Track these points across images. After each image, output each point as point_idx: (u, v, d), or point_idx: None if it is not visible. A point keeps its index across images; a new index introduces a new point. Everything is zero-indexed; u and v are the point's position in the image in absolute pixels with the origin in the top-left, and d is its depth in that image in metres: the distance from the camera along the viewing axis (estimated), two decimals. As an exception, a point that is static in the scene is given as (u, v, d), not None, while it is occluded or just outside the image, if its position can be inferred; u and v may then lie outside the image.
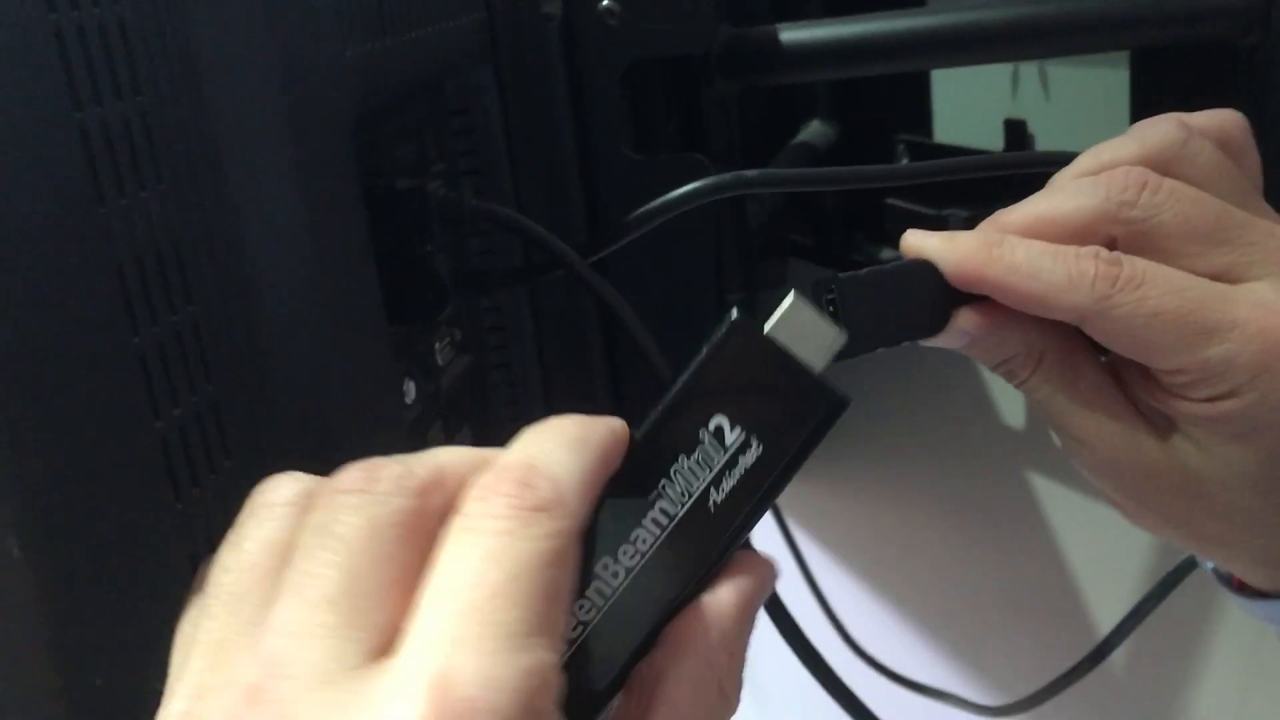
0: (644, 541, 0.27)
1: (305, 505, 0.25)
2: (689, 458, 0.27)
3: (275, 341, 0.31)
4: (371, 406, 0.34)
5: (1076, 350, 0.35)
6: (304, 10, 0.31)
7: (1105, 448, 0.35)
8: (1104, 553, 0.76)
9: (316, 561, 0.23)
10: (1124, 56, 0.63)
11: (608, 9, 0.50)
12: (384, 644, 0.22)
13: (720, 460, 0.27)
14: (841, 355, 0.34)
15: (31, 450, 0.23)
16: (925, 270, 0.34)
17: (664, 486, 0.27)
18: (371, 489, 0.24)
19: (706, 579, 0.27)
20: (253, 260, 0.30)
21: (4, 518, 0.22)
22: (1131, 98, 0.64)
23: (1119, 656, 0.69)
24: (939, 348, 0.36)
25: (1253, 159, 0.36)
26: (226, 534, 0.25)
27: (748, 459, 0.27)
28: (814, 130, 0.83)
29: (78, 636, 0.24)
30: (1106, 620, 0.71)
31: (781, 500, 0.90)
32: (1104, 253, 0.33)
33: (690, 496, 0.27)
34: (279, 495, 0.25)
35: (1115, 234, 0.34)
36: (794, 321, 0.29)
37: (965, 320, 0.34)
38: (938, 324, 0.35)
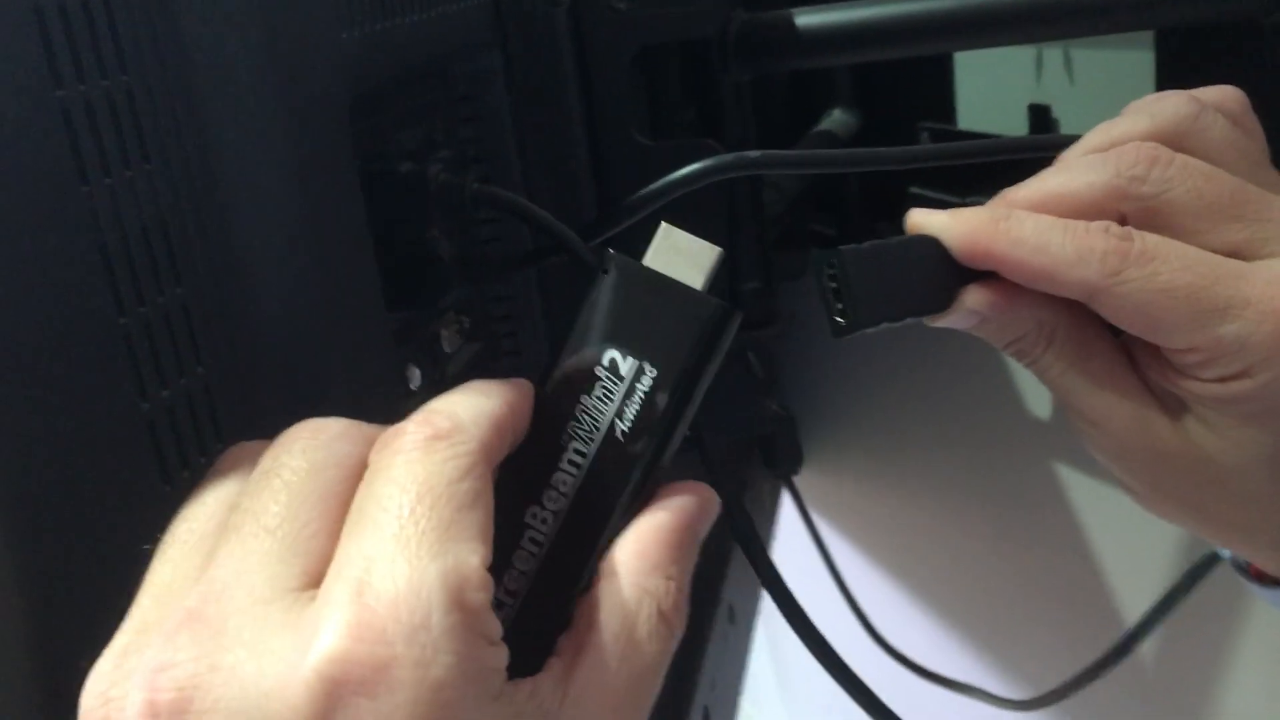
0: (565, 484, 0.28)
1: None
2: (590, 395, 0.28)
3: (268, 324, 0.31)
4: (369, 392, 0.34)
5: (1089, 328, 0.35)
6: (296, -10, 0.31)
7: (1118, 430, 0.34)
8: (1131, 544, 0.75)
9: (259, 498, 0.24)
10: (1148, 38, 0.62)
11: (616, -7, 0.50)
12: (321, 572, 0.23)
13: (620, 391, 0.28)
14: (846, 329, 0.33)
15: (9, 431, 0.23)
16: (930, 246, 0.34)
17: (573, 428, 0.28)
18: (316, 436, 0.25)
19: (635, 507, 0.28)
20: (244, 241, 0.30)
21: (-20, 498, 0.22)
22: (1157, 80, 0.63)
23: (1146, 649, 0.68)
24: (954, 329, 0.35)
25: (1259, 135, 0.35)
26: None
27: (644, 384, 0.28)
28: (835, 118, 0.82)
29: (60, 619, 0.24)
30: (1133, 612, 0.70)
31: (805, 491, 0.89)
32: (1114, 227, 0.32)
33: (599, 431, 0.28)
34: (241, 458, 0.27)
35: (1126, 210, 0.33)
36: (670, 247, 0.29)
37: (973, 298, 0.34)
38: (944, 301, 0.34)
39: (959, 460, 0.85)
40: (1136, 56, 0.64)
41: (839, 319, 0.33)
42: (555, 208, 0.50)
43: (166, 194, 0.28)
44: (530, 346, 0.49)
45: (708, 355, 0.29)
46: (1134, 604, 0.74)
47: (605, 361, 0.28)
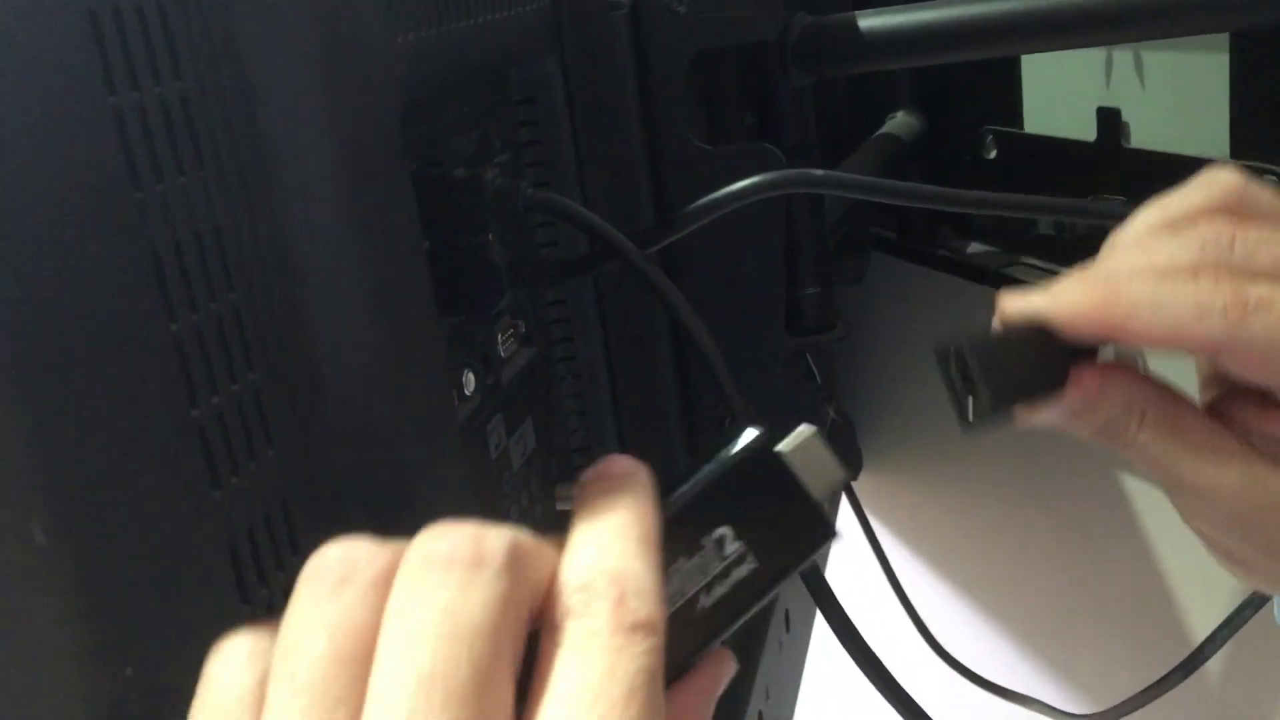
0: None
1: (387, 579, 0.24)
2: (689, 560, 0.28)
3: (320, 330, 0.31)
4: (421, 397, 0.34)
5: (1176, 400, 0.34)
6: (350, -5, 0.31)
7: (1229, 494, 0.33)
8: (1199, 556, 0.73)
9: (438, 651, 0.22)
10: (1223, 40, 0.61)
11: (675, -4, 0.49)
12: None
13: (716, 569, 0.29)
14: (975, 426, 0.33)
15: (58, 434, 0.23)
16: (1037, 329, 0.33)
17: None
18: (483, 562, 0.23)
19: (678, 673, 0.28)
20: (296, 247, 0.30)
21: (29, 503, 0.22)
22: (1231, 84, 0.61)
23: (1212, 666, 0.66)
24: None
25: None
26: (290, 604, 0.24)
27: (741, 572, 0.29)
28: (899, 121, 0.81)
29: (106, 624, 0.24)
30: (1200, 627, 0.68)
31: (863, 497, 0.88)
32: (1221, 278, 0.32)
33: (683, 597, 0.28)
34: (359, 573, 0.24)
35: None
36: (807, 452, 0.30)
37: (1079, 383, 0.33)
38: (1057, 382, 0.33)
39: (1019, 466, 0.84)
40: (1210, 59, 0.62)
41: (969, 416, 0.33)
42: (612, 212, 0.50)
43: (219, 199, 0.28)
44: (585, 352, 0.49)
45: (800, 564, 0.29)
46: (1201, 619, 0.72)
47: (714, 535, 0.29)
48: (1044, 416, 0.34)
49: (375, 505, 0.32)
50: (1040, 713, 0.79)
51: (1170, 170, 0.65)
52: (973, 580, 0.94)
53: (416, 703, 0.22)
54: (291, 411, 0.30)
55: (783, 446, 0.30)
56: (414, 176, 0.35)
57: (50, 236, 0.23)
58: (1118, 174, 0.69)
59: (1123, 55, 0.68)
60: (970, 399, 0.33)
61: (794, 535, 0.29)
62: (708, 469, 0.29)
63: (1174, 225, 0.34)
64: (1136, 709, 0.69)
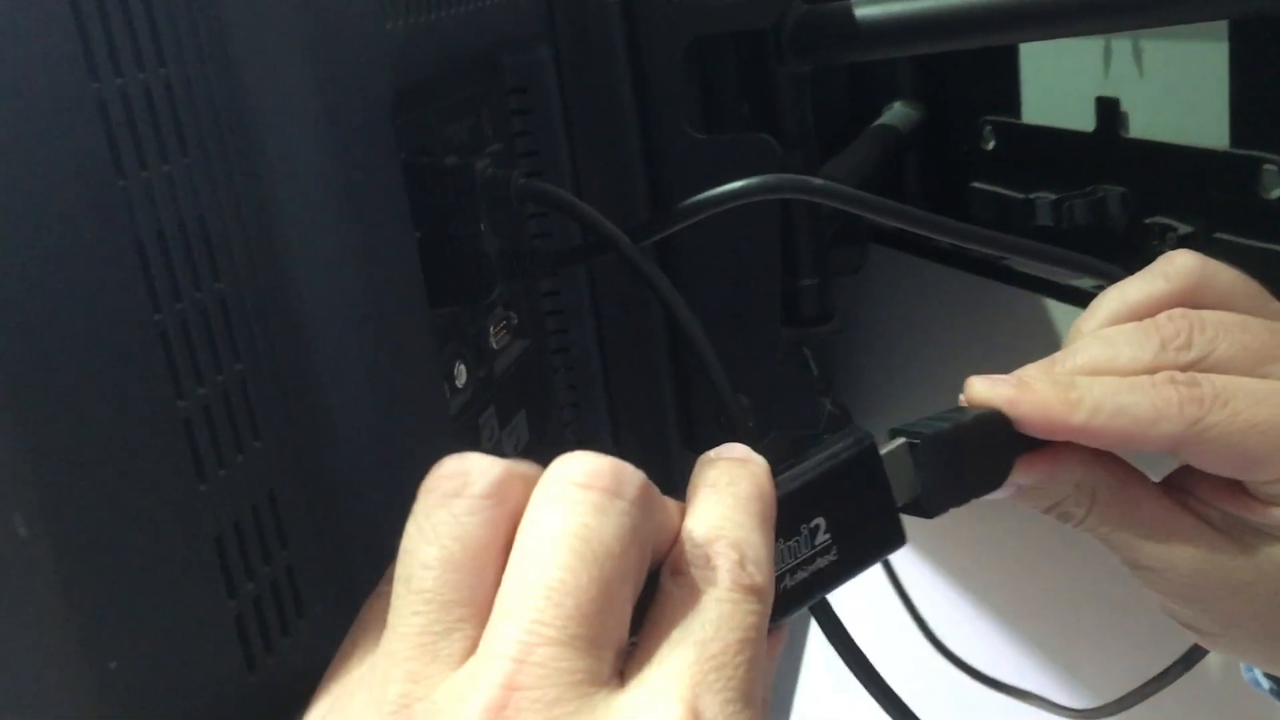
0: None
1: (505, 495, 0.25)
2: (785, 543, 0.30)
3: (308, 320, 0.30)
4: (412, 389, 0.34)
5: (1130, 480, 0.35)
6: (338, -19, 0.30)
7: (1184, 571, 0.34)
8: (1199, 550, 0.73)
9: (571, 567, 0.24)
10: (1222, 28, 0.60)
11: (670, -17, 0.49)
12: (619, 664, 0.24)
13: (805, 554, 0.30)
14: (918, 514, 0.34)
15: (41, 426, 0.23)
16: (995, 421, 0.34)
17: None
18: (619, 493, 0.25)
19: None
20: (284, 236, 0.29)
21: (11, 495, 0.22)
22: (1231, 73, 0.61)
23: (1214, 659, 0.66)
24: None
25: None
26: (410, 519, 0.26)
27: (823, 562, 0.30)
28: (896, 112, 0.81)
29: (89, 617, 0.23)
30: (1200, 621, 0.67)
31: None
32: (1178, 375, 0.33)
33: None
34: (476, 486, 0.25)
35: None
36: (899, 461, 0.33)
37: (1027, 468, 0.34)
38: (1003, 474, 0.34)
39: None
40: (1210, 48, 0.62)
41: (919, 504, 0.34)
42: (606, 202, 0.49)
43: (205, 188, 0.27)
44: (579, 344, 0.49)
45: (870, 564, 0.31)
46: (1201, 612, 0.72)
47: (812, 524, 0.30)
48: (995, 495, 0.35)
49: (365, 499, 0.32)
50: (1041, 708, 0.79)
51: (1169, 160, 0.64)
52: (971, 574, 0.94)
53: (545, 612, 0.23)
54: (279, 403, 0.30)
55: (883, 451, 0.32)
56: (404, 166, 0.34)
57: (32, 225, 0.23)
58: (1116, 164, 0.68)
59: (1121, 44, 0.68)
60: (922, 488, 0.34)
61: (873, 536, 0.31)
62: (814, 461, 0.31)
63: (1136, 314, 0.35)
64: (1137, 702, 0.69)
